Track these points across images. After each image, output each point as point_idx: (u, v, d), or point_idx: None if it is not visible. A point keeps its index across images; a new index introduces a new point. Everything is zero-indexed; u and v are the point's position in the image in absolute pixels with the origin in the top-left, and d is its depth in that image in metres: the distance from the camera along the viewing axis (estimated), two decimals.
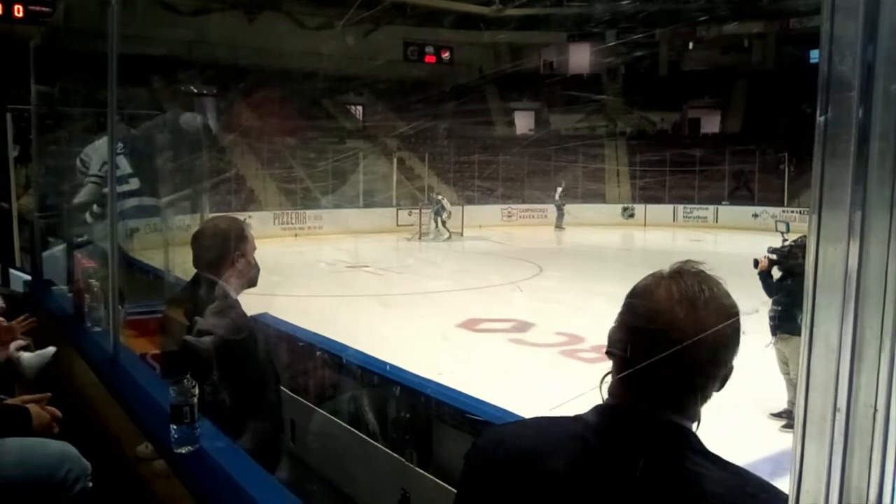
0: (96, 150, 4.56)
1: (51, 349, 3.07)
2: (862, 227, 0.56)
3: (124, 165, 4.35)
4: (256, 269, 2.41)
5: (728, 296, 1.03)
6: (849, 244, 0.56)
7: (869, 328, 0.55)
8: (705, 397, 1.05)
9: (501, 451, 1.12)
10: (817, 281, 0.58)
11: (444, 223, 21.91)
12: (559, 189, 25.78)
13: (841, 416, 0.56)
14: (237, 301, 2.33)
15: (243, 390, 2.22)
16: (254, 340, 2.38)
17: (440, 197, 22.50)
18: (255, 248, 2.42)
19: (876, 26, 0.55)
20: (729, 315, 1.00)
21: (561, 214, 25.37)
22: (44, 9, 20.79)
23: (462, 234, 22.85)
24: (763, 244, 6.64)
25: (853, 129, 0.56)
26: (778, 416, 5.80)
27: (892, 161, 0.56)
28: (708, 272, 1.05)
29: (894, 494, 0.55)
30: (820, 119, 0.57)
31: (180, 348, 2.25)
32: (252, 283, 2.42)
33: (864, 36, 0.55)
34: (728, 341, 1.00)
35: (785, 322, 5.66)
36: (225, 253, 2.32)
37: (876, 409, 0.54)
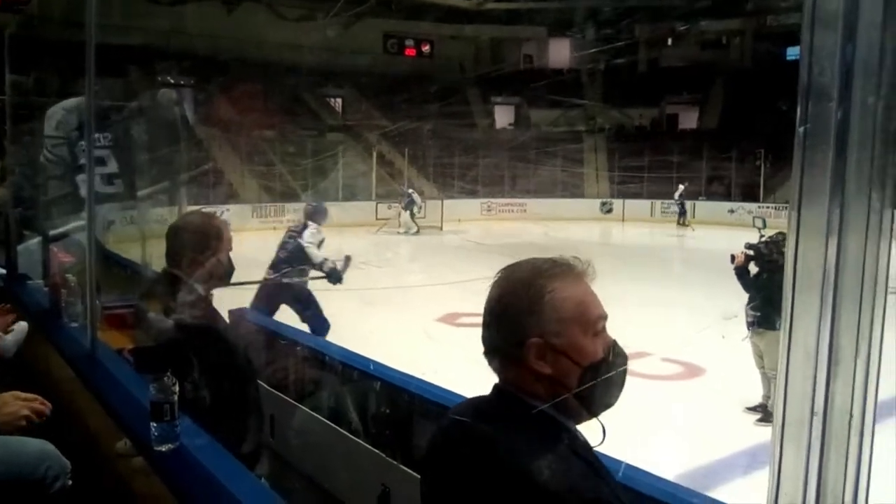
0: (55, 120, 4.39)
1: (23, 324, 3.04)
2: (839, 236, 0.57)
3: (112, 163, 4.23)
4: (230, 267, 2.40)
5: (542, 276, 1.15)
6: (826, 252, 0.57)
7: (845, 336, 0.56)
8: (534, 374, 1.14)
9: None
10: (796, 287, 0.59)
11: (412, 217, 21.84)
12: (681, 187, 25.51)
13: (818, 421, 0.57)
14: (205, 297, 2.32)
15: (215, 383, 2.21)
16: (222, 333, 2.38)
17: (410, 191, 22.44)
18: (230, 248, 2.39)
19: (854, 39, 0.56)
20: (528, 291, 1.14)
21: (683, 211, 25.29)
22: None
23: (441, 228, 22.87)
24: (739, 239, 6.72)
25: (832, 139, 0.58)
26: (753, 409, 5.88)
27: (868, 170, 0.57)
28: (557, 260, 1.19)
29: (868, 498, 0.56)
30: (800, 129, 0.59)
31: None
32: (225, 281, 2.39)
33: (842, 48, 0.57)
34: (527, 312, 1.13)
35: (761, 317, 5.73)
36: (196, 250, 2.30)
37: (852, 415, 0.56)
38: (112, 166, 4.22)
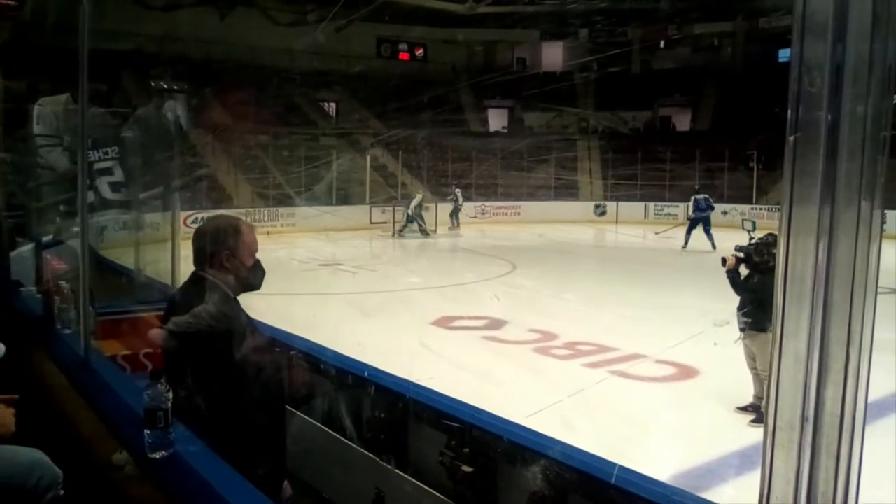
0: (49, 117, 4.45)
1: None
2: (829, 240, 0.57)
3: (118, 173, 4.28)
4: (258, 270, 2.36)
5: None
6: (817, 258, 0.58)
7: (835, 341, 0.57)
8: None
9: None
10: (786, 292, 0.60)
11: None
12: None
13: (809, 426, 0.57)
14: (233, 298, 2.30)
15: (221, 389, 2.17)
16: (242, 337, 2.34)
17: (419, 196, 22.56)
18: (254, 248, 2.37)
19: (843, 49, 0.57)
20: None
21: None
22: (10, 2, 20.34)
23: (435, 231, 22.87)
24: (732, 240, 6.76)
25: (822, 147, 0.58)
26: (744, 409, 5.89)
27: (858, 177, 0.58)
28: None
29: (858, 500, 0.57)
30: (790, 137, 0.59)
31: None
32: (251, 284, 2.36)
33: (832, 58, 0.57)
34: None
35: (752, 319, 5.75)
36: (215, 251, 2.29)
37: (842, 420, 0.56)
38: (118, 175, 4.28)
